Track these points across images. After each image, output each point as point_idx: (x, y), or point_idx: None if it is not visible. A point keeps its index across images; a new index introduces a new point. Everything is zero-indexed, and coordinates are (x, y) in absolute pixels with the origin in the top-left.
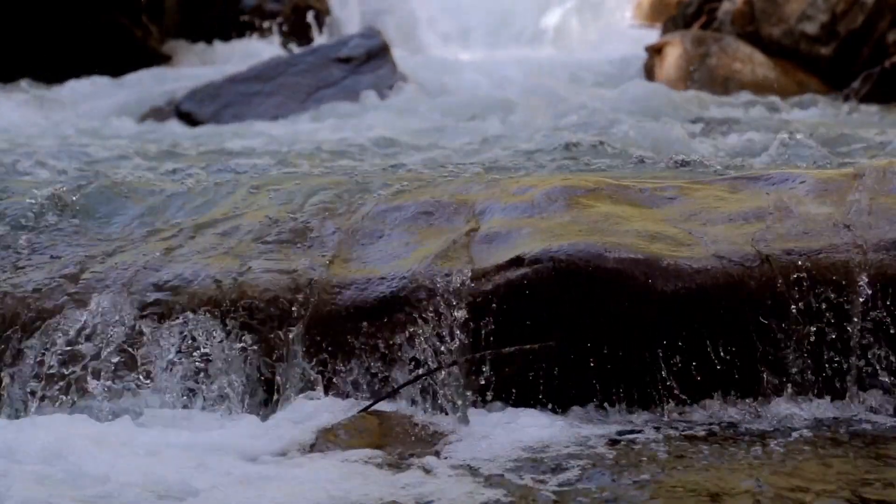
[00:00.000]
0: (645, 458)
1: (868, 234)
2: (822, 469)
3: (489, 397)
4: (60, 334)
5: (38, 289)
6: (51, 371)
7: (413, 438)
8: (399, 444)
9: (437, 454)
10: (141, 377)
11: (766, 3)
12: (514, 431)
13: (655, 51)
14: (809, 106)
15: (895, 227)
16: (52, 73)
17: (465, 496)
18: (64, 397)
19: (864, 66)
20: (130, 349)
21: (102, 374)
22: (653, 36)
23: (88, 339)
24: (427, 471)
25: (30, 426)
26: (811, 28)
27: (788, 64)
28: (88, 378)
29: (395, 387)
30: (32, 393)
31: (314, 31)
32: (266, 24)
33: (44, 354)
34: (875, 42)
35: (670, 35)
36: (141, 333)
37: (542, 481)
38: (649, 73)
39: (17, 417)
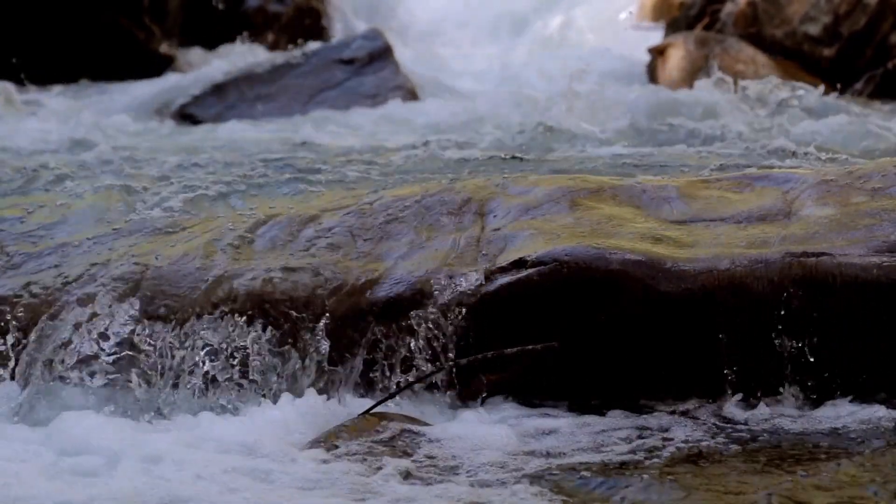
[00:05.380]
0: (646, 461)
1: (870, 235)
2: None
3: (492, 398)
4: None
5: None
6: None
7: (415, 439)
8: (400, 444)
9: (438, 454)
10: (140, 376)
11: (769, 4)
12: (515, 433)
13: (658, 52)
14: (812, 107)
15: None
16: (52, 75)
17: (467, 498)
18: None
19: (866, 67)
20: (134, 346)
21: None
22: (656, 37)
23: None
24: (423, 471)
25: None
26: (814, 29)
27: (791, 65)
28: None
29: (397, 388)
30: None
31: (317, 33)
32: (268, 26)
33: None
34: (878, 43)
35: (673, 36)
36: (148, 331)
37: (542, 482)
38: (652, 74)
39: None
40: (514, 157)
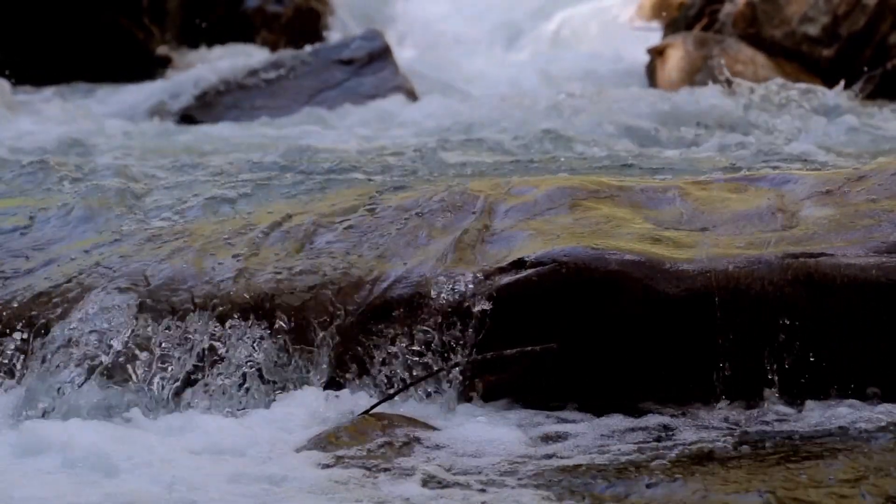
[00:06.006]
0: (650, 462)
1: (869, 236)
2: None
3: (493, 400)
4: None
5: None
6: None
7: (416, 441)
8: (398, 446)
9: (437, 456)
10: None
11: (768, 5)
12: (518, 434)
13: (657, 52)
14: (811, 108)
15: None
16: (50, 75)
17: (472, 500)
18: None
19: (865, 67)
20: (134, 349)
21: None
22: (654, 37)
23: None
24: (425, 473)
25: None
26: (813, 30)
27: (790, 65)
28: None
29: (396, 390)
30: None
31: (316, 33)
32: (267, 27)
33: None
34: (877, 44)
35: (672, 37)
36: (148, 334)
37: (547, 485)
38: (651, 74)
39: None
40: (513, 159)
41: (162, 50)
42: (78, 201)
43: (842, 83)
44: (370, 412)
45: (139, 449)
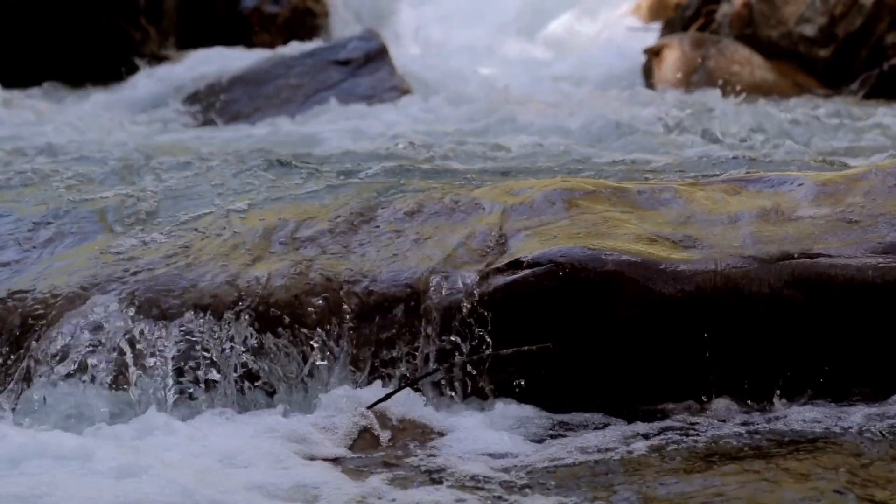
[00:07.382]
0: (654, 462)
1: (865, 237)
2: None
3: (488, 398)
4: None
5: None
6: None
7: (411, 439)
8: (396, 444)
9: (433, 454)
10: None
11: (765, 5)
12: (511, 434)
13: (654, 53)
14: (808, 108)
15: (895, 231)
16: (46, 75)
17: (457, 499)
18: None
19: (862, 68)
20: (135, 352)
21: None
22: (651, 37)
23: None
24: (421, 473)
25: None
26: (809, 30)
27: (787, 66)
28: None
29: (393, 389)
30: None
31: (313, 33)
32: (265, 27)
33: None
34: (873, 44)
35: (669, 37)
36: (148, 336)
37: (539, 485)
38: (648, 75)
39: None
40: (510, 160)
41: (159, 50)
42: (75, 203)
43: (838, 84)
44: (370, 410)
45: (152, 454)
